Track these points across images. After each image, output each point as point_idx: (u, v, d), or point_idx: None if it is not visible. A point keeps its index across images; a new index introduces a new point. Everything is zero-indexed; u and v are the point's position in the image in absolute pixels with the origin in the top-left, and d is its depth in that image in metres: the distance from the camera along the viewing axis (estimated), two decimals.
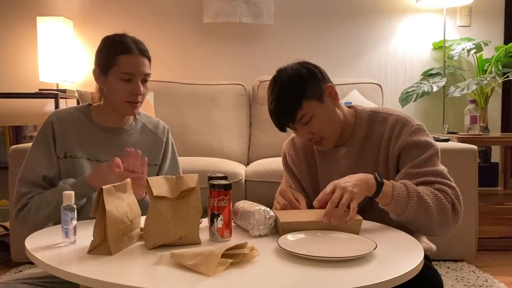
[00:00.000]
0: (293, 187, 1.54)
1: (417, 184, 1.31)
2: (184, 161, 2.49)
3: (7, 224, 2.62)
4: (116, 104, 1.52)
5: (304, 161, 1.54)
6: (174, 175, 1.67)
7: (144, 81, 1.52)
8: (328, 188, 1.21)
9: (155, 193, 1.07)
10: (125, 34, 1.54)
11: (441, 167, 1.35)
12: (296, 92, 1.37)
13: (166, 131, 1.68)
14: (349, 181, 1.23)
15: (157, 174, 1.61)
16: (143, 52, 1.51)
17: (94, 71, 1.54)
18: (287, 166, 1.59)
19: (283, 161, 1.62)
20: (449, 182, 1.32)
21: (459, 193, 1.32)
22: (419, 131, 1.38)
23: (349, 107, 1.51)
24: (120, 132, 1.58)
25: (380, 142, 1.41)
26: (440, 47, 3.40)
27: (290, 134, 1.63)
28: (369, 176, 1.26)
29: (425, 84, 3.26)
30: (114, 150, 1.53)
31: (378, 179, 1.25)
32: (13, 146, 2.37)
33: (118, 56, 1.48)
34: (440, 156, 1.38)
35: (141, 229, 1.12)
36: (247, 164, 2.87)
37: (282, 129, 1.44)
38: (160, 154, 1.64)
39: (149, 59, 1.54)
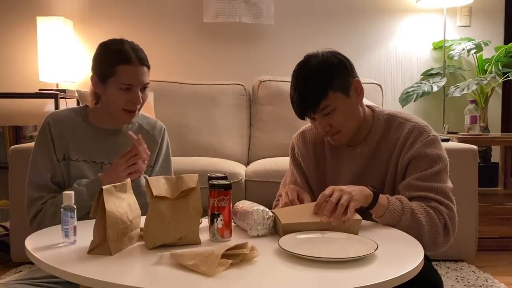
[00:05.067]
0: (298, 181, 1.51)
1: (416, 197, 1.30)
2: (184, 161, 2.50)
3: (7, 224, 2.62)
4: (114, 112, 1.51)
5: (312, 156, 1.51)
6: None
7: (143, 89, 1.50)
8: (327, 191, 1.21)
9: (155, 193, 1.07)
10: (123, 40, 1.50)
11: (445, 184, 1.32)
12: (324, 80, 1.33)
13: (162, 131, 1.66)
14: (347, 187, 1.23)
15: (150, 175, 1.59)
16: (143, 61, 1.48)
17: (92, 78, 1.51)
18: (295, 159, 1.56)
19: (291, 153, 1.58)
20: (447, 201, 1.30)
21: (455, 214, 1.31)
22: (434, 142, 1.35)
23: (367, 106, 1.47)
24: (116, 133, 1.57)
25: (394, 147, 1.39)
26: (440, 47, 3.40)
27: (291, 133, 1.63)
28: (364, 187, 1.26)
29: (425, 84, 3.26)
30: (111, 151, 1.52)
31: (374, 190, 1.26)
32: (13, 146, 2.36)
33: (117, 66, 1.44)
34: (448, 170, 1.36)
35: (141, 229, 1.12)
36: (247, 164, 2.87)
37: (302, 116, 1.39)
38: (154, 155, 1.62)
39: (148, 67, 1.50)
